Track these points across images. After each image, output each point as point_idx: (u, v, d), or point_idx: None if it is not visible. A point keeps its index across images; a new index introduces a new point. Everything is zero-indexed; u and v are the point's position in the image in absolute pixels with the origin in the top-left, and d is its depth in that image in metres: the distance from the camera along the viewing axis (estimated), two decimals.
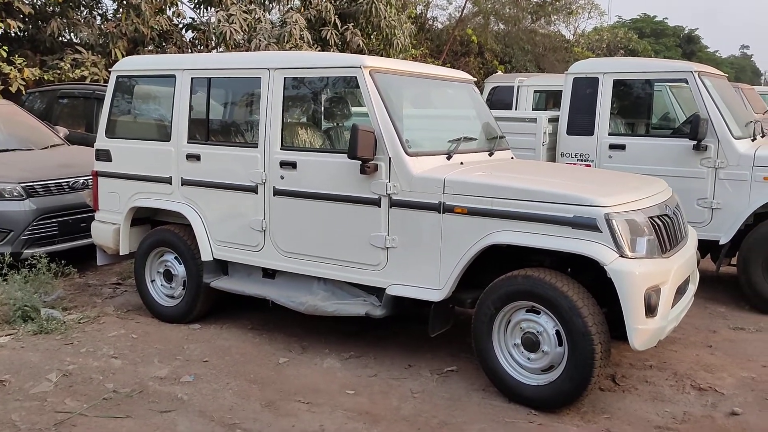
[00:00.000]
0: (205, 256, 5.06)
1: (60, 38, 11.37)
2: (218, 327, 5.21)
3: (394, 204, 4.26)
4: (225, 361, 4.55)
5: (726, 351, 4.85)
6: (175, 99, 5.17)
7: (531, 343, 3.87)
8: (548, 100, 9.87)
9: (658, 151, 6.09)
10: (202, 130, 5.10)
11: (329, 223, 4.51)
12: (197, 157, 5.05)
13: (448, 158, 4.47)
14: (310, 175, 4.57)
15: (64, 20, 11.21)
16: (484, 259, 4.10)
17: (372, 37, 13.54)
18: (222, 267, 5.15)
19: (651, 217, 3.89)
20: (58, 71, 10.47)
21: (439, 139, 4.70)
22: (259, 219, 4.79)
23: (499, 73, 13.12)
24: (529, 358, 3.91)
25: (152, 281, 5.47)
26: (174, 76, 5.18)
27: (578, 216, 3.71)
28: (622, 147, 6.26)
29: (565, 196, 3.78)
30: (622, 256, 3.63)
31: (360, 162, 4.21)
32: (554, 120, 6.64)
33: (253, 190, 4.80)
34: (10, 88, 9.79)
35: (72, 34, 11.49)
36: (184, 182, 5.14)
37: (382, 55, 13.08)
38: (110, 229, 5.57)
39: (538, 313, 3.84)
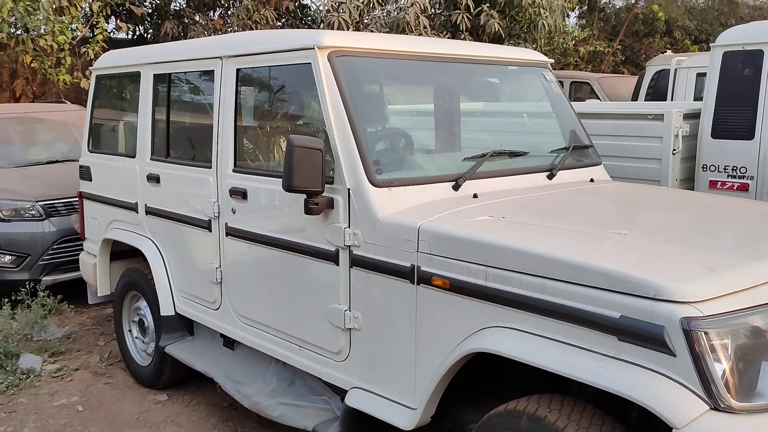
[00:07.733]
0: (165, 309, 3.84)
1: (174, 40, 10.95)
2: (186, 401, 3.97)
3: (355, 262, 2.69)
4: None
5: None
6: (140, 103, 4.00)
7: None
8: None
9: None
10: (164, 144, 3.87)
11: (284, 282, 3.05)
12: (157, 179, 3.84)
13: (456, 188, 2.79)
14: (261, 209, 3.14)
15: (180, 21, 10.80)
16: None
17: (516, 18, 11.55)
18: (188, 325, 3.89)
19: None
20: None
21: (452, 157, 3.04)
22: (214, 267, 3.45)
23: (669, 53, 10.54)
24: None
25: (129, 331, 4.38)
26: (139, 74, 4.01)
27: (629, 318, 1.89)
28: None
29: (607, 274, 1.96)
30: (716, 408, 1.76)
31: (305, 196, 2.71)
32: (694, 116, 4.53)
33: (206, 226, 3.47)
34: None
35: (187, 35, 11.01)
36: (148, 211, 3.96)
37: (524, 42, 10.99)
38: (91, 262, 4.58)
39: None
